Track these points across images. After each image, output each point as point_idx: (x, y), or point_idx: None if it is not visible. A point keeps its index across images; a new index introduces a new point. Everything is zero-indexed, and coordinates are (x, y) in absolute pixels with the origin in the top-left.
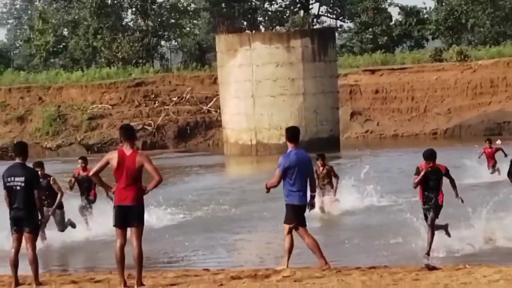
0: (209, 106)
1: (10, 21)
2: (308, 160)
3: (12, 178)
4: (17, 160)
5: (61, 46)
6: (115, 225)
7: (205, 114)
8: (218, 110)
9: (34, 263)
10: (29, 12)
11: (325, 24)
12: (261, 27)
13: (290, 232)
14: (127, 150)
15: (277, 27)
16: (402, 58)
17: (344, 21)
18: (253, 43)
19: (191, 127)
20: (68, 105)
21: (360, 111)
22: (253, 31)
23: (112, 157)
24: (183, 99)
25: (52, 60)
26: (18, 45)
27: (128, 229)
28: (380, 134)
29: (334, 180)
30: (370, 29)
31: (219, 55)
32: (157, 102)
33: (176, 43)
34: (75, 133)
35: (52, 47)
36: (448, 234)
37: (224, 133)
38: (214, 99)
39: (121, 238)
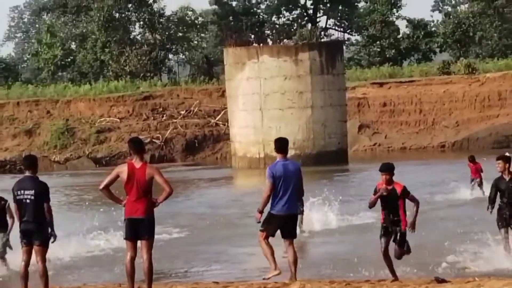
0: (217, 119)
1: (18, 34)
2: (295, 172)
3: (22, 191)
4: (27, 173)
5: (69, 59)
6: (125, 238)
7: (213, 127)
8: (226, 123)
9: (44, 276)
10: (37, 25)
11: (332, 37)
12: (268, 40)
13: (291, 244)
14: (137, 163)
15: (285, 40)
16: (410, 71)
17: (351, 34)
18: (261, 56)
19: (199, 140)
20: (76, 119)
21: (368, 124)
22: (261, 44)
23: (122, 170)
24: (191, 113)
25: (60, 73)
26: (26, 58)
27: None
28: (388, 147)
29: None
30: (378, 42)
31: (227, 68)
32: (165, 115)
33: (183, 57)
34: (83, 147)
35: (60, 61)
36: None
37: (232, 146)
38: (222, 112)
39: (131, 251)
